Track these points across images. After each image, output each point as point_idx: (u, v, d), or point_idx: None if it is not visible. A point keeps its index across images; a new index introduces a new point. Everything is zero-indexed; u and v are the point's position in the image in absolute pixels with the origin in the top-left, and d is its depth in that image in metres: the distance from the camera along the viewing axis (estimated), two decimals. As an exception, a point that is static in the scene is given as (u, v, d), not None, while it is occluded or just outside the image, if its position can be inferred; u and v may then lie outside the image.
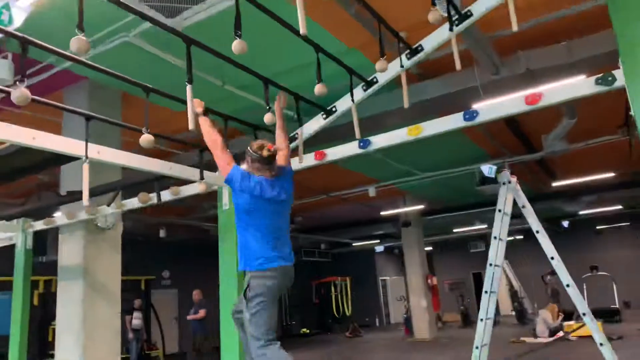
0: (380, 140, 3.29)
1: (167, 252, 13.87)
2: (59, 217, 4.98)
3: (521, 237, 19.90)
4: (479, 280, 22.13)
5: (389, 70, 3.38)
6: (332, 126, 3.94)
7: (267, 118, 3.27)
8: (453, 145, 9.47)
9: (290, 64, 5.52)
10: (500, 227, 4.52)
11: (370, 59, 5.47)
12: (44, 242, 10.01)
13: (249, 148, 2.97)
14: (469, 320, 15.13)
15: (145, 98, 3.14)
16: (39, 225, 5.16)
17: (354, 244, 17.82)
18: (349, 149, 3.44)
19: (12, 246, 6.92)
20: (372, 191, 9.28)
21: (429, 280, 13.00)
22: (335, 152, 3.56)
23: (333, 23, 4.75)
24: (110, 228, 5.24)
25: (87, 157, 2.96)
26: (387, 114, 6.09)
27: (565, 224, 15.65)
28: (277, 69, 5.47)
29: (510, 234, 16.42)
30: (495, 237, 4.55)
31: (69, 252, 5.12)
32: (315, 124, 3.80)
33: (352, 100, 3.39)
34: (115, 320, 5.14)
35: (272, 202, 2.92)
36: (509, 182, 4.54)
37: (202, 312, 9.69)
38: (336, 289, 18.79)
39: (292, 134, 3.72)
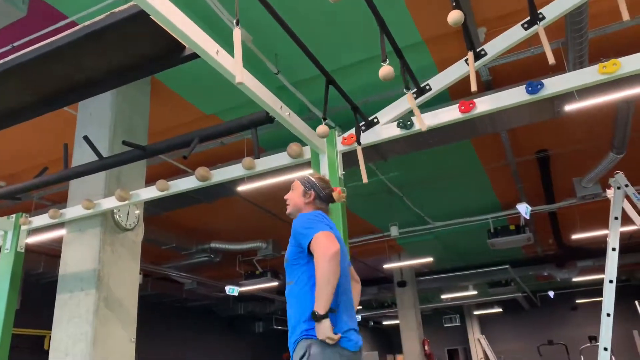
0: (555, 84, 2.62)
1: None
2: (71, 209, 3.89)
3: (500, 309, 19.35)
4: (453, 357, 21.04)
5: (446, 77, 2.87)
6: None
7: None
8: (470, 192, 9.03)
9: (350, 59, 4.95)
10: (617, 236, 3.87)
11: (435, 59, 5.01)
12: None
13: (312, 178, 2.36)
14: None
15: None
16: (41, 219, 4.01)
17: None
18: (517, 94, 2.69)
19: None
20: (394, 230, 8.48)
21: (426, 347, 11.95)
22: (496, 99, 2.76)
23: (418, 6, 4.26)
24: (131, 229, 4.17)
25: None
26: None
27: (551, 294, 15.20)
28: (336, 65, 4.90)
29: (487, 306, 15.92)
30: (613, 249, 3.87)
31: (77, 255, 3.96)
32: (404, 103, 3.09)
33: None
34: (130, 349, 3.93)
35: None
36: (626, 186, 3.95)
37: None
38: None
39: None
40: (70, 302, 3.85)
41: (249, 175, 3.41)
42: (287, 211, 2.36)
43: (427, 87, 2.95)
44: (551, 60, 2.34)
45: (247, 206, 8.44)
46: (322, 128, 2.77)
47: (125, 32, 2.02)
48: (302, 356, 1.89)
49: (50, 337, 3.86)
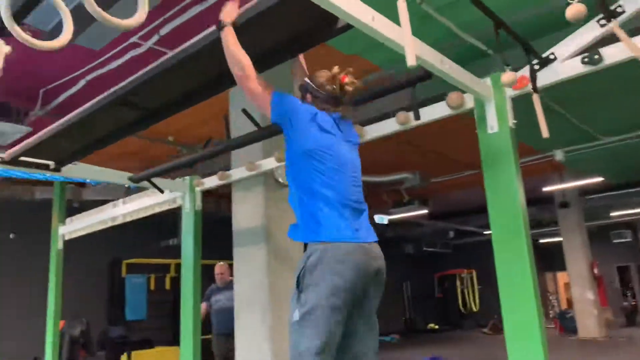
0: None
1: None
2: (236, 170, 4.12)
3: None
4: (623, 274, 19.44)
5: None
6: None
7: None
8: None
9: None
10: None
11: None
12: (172, 225, 9.63)
13: (308, 81, 2.21)
14: (634, 318, 12.88)
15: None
16: (211, 181, 4.34)
17: (484, 233, 15.96)
18: None
19: (145, 226, 6.63)
20: (559, 155, 7.75)
21: (595, 269, 11.12)
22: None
23: None
24: (291, 184, 4.32)
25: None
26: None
27: None
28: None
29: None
30: None
31: (246, 212, 4.26)
32: (589, 32, 2.50)
33: None
34: (302, 296, 4.21)
35: (349, 144, 2.19)
36: None
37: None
38: (462, 282, 17.22)
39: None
40: (246, 255, 4.19)
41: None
42: None
43: (619, 10, 2.41)
44: None
45: (392, 141, 8.29)
46: (508, 76, 2.44)
47: (280, 10, 1.92)
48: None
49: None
